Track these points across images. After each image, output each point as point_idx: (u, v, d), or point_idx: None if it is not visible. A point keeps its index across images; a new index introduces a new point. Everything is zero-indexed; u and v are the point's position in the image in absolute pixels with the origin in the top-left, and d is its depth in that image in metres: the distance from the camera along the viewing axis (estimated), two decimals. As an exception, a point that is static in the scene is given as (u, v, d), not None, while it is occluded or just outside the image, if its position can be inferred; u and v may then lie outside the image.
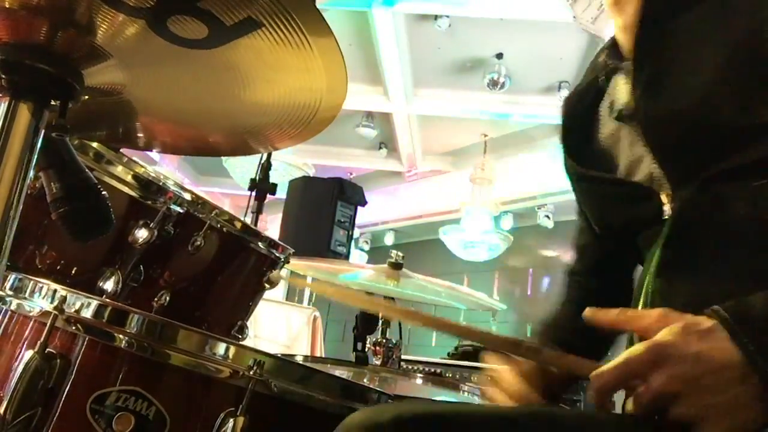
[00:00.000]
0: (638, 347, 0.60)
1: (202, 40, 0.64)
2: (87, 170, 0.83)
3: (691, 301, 0.65)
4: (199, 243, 1.20)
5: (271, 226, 5.72)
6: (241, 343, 1.08)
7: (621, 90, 0.93)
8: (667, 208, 0.84)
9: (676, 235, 0.83)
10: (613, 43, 0.99)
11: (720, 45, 0.80)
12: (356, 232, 5.70)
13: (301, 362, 1.29)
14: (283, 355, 1.03)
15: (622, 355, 0.62)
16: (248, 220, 2.23)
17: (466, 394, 1.52)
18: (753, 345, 0.57)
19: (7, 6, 0.63)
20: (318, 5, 0.63)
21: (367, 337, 1.77)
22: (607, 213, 0.99)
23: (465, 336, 0.69)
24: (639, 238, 0.92)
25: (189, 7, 0.59)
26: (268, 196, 2.44)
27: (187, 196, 1.19)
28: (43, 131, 0.69)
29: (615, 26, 0.97)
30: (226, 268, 1.33)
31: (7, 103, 0.67)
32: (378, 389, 0.90)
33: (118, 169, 1.11)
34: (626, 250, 0.98)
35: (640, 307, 0.86)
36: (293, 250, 1.43)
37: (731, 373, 0.57)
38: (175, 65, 0.72)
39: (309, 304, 5.06)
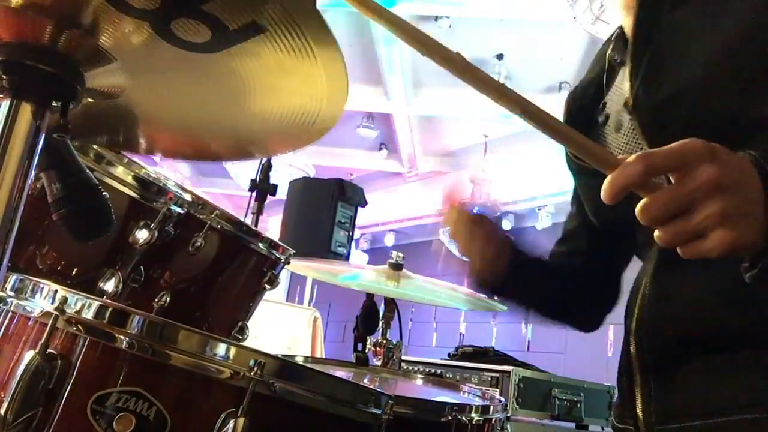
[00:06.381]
0: (693, 142, 0.62)
1: (206, 44, 0.64)
2: (88, 171, 0.83)
3: (687, 302, 0.65)
4: (199, 244, 1.20)
5: (272, 227, 5.71)
6: (241, 343, 1.08)
7: (625, 82, 0.93)
8: None
9: None
10: (619, 36, 0.98)
11: (718, 36, 0.78)
12: (356, 233, 5.70)
13: (301, 363, 1.29)
14: (283, 355, 1.03)
15: (672, 146, 0.62)
16: (248, 220, 2.23)
17: (466, 395, 1.52)
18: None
19: (13, 6, 0.63)
20: (318, 6, 0.63)
21: (368, 337, 1.77)
22: (606, 208, 1.00)
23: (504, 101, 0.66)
24: (638, 236, 0.91)
25: (193, 9, 0.59)
26: (268, 196, 2.44)
27: (188, 197, 1.19)
28: (44, 132, 0.69)
29: (624, 24, 0.96)
30: (226, 269, 1.33)
31: (8, 103, 0.67)
32: (378, 390, 0.90)
33: (119, 170, 1.10)
34: (620, 247, 0.96)
35: (636, 308, 0.85)
36: (293, 251, 1.43)
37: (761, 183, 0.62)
38: (178, 70, 0.72)
39: (309, 305, 5.06)
